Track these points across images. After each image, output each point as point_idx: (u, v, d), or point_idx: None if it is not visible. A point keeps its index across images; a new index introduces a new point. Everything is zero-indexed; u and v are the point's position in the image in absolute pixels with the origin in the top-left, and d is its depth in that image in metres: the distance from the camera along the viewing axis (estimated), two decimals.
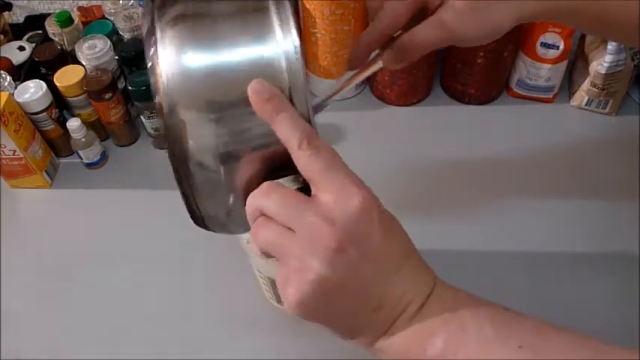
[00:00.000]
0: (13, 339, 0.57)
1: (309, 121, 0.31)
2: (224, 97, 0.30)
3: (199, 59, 0.30)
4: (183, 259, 0.63)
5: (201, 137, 0.30)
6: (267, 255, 0.32)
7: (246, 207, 0.32)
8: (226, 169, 0.31)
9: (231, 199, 0.33)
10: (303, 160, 0.30)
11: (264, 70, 0.30)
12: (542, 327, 0.31)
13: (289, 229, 0.30)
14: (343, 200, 0.29)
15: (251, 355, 0.55)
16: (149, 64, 0.30)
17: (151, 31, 0.30)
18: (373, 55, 0.43)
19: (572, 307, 0.53)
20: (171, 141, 0.30)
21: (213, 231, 0.36)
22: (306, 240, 0.29)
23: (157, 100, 0.30)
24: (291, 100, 0.30)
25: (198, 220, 0.35)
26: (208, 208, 0.34)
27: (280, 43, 0.29)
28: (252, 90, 0.29)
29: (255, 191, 0.31)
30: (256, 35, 0.30)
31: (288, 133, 0.30)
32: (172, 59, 0.29)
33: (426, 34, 0.40)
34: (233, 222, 0.35)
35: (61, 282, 0.62)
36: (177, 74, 0.30)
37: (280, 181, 0.32)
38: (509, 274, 0.58)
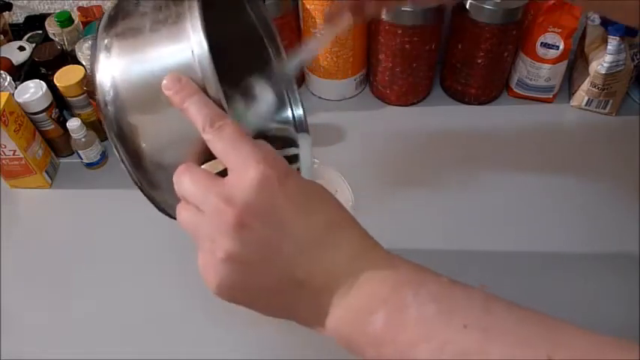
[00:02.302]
0: (13, 339, 0.57)
1: (220, 106, 0.32)
2: (160, 98, 0.33)
3: (136, 70, 0.34)
4: (183, 259, 0.62)
5: (153, 137, 0.34)
6: None
7: (175, 185, 0.33)
8: (174, 162, 0.33)
9: None
10: (208, 142, 0.31)
11: (182, 70, 0.33)
12: (492, 302, 0.30)
13: (202, 210, 0.31)
14: (240, 176, 0.30)
15: (250, 354, 0.55)
16: (95, 74, 0.34)
17: (94, 47, 0.35)
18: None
19: (572, 307, 0.53)
20: (124, 146, 0.35)
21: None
22: (212, 220, 0.30)
23: (103, 107, 0.34)
24: (205, 90, 0.32)
25: (163, 211, 0.39)
26: (169, 200, 0.36)
27: (193, 48, 0.32)
28: (163, 86, 0.32)
29: (175, 173, 0.32)
30: (175, 43, 0.33)
31: (194, 118, 0.31)
32: (116, 69, 0.34)
33: None
34: None
35: (61, 282, 0.62)
36: (121, 83, 0.34)
37: (208, 164, 0.33)
38: (510, 273, 0.58)
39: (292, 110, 0.48)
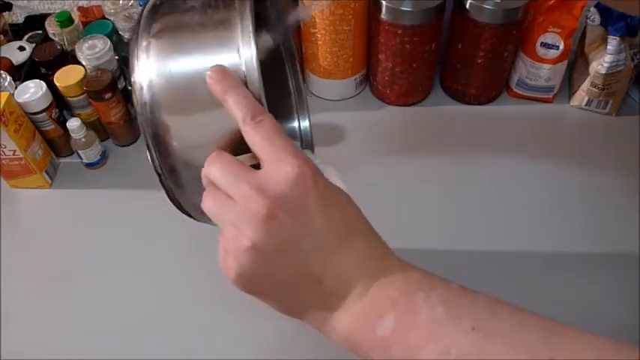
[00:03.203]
0: (13, 339, 0.57)
1: (260, 102, 0.33)
2: (199, 96, 0.33)
3: (178, 67, 0.34)
4: (183, 259, 0.63)
5: (185, 137, 0.34)
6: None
7: (202, 172, 0.33)
8: (203, 160, 0.34)
9: None
10: (246, 134, 0.32)
11: (225, 65, 0.33)
12: (498, 306, 0.31)
13: (231, 197, 0.31)
14: (276, 169, 0.30)
15: (251, 355, 0.55)
16: (133, 70, 0.34)
17: (134, 43, 0.35)
18: None
19: (572, 307, 0.53)
20: (156, 143, 0.34)
21: (197, 220, 0.40)
22: (241, 208, 0.30)
23: (139, 103, 0.34)
24: (245, 84, 0.33)
25: (184, 211, 0.39)
26: (192, 200, 0.36)
27: (240, 44, 0.33)
28: (207, 76, 0.32)
29: (206, 160, 0.32)
30: (221, 39, 0.34)
31: (234, 110, 0.32)
32: (155, 66, 0.34)
33: None
34: None
35: (61, 282, 0.62)
36: (159, 79, 0.33)
37: (240, 157, 0.33)
38: (510, 273, 0.58)
39: (299, 122, 0.48)
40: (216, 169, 0.32)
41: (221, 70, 0.32)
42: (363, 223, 0.34)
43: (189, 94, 0.33)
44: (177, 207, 0.39)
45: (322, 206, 0.31)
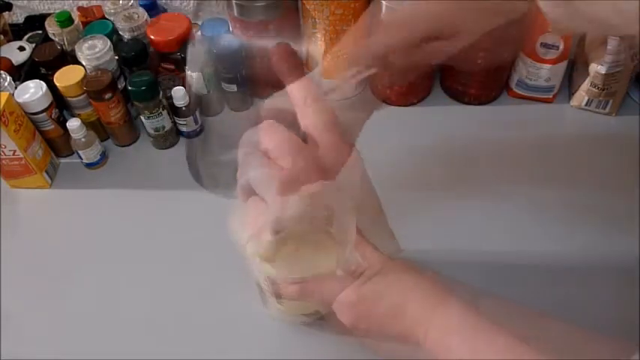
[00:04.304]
0: (13, 339, 0.57)
1: None
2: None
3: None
4: (182, 260, 0.63)
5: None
6: (245, 193, 0.34)
7: (242, 139, 0.34)
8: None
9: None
10: (305, 114, 0.34)
11: None
12: (480, 295, 0.35)
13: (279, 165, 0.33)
14: (335, 152, 0.33)
15: (250, 355, 0.55)
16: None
17: None
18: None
19: (571, 308, 0.53)
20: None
21: (210, 190, 0.40)
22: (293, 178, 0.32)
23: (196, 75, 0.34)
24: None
25: (196, 175, 0.39)
26: (211, 169, 0.37)
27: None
28: (275, 49, 0.34)
29: (257, 127, 0.33)
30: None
31: (297, 90, 0.33)
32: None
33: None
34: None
35: (61, 282, 0.62)
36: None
37: None
38: (509, 274, 0.58)
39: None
40: (272, 138, 0.33)
41: (289, 49, 0.34)
42: (382, 213, 0.38)
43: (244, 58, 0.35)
44: (192, 170, 0.39)
45: (364, 192, 0.34)
